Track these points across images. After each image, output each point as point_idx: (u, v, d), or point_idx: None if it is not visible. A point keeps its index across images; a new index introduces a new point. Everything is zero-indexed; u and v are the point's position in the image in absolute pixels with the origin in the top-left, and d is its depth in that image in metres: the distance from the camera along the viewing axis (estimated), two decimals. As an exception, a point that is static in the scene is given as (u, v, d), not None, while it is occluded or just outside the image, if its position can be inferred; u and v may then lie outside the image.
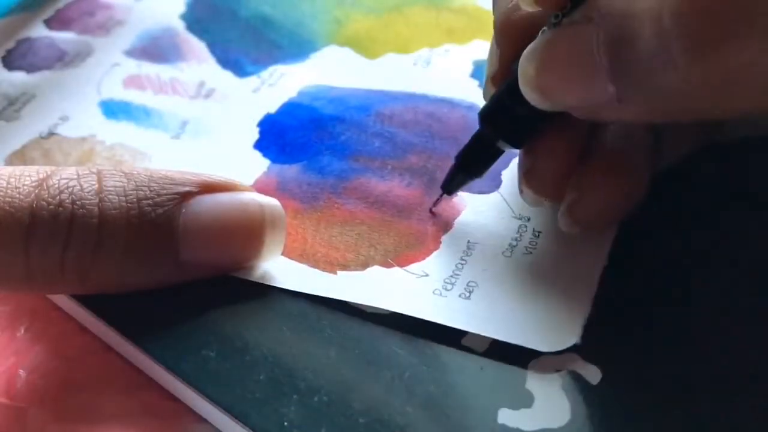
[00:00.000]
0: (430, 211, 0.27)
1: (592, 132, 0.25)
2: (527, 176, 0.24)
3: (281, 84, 0.32)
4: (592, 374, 0.22)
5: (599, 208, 0.24)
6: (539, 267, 0.24)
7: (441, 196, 0.26)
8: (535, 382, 0.22)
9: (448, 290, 0.24)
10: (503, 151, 0.25)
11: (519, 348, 0.22)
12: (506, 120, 0.24)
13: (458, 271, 0.25)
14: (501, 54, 0.25)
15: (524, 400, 0.21)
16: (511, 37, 0.24)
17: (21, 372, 0.24)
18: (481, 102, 0.30)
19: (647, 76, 0.19)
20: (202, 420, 0.23)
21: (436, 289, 0.24)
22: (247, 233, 0.24)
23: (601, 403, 0.21)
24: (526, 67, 0.22)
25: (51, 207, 0.22)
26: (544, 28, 0.21)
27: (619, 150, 0.24)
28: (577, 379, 0.22)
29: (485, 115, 0.25)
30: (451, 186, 0.26)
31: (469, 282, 0.24)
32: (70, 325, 0.25)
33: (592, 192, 0.24)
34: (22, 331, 0.25)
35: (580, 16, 0.20)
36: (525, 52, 0.22)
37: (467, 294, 0.24)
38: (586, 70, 0.20)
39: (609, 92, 0.20)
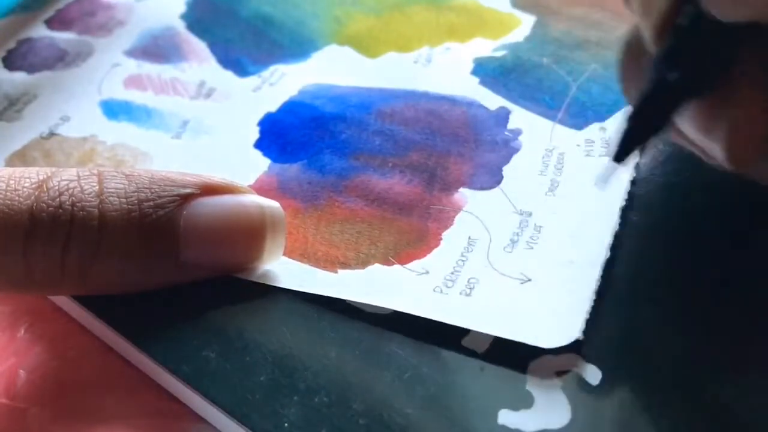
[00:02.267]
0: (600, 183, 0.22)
1: None
2: (734, 135, 0.20)
3: (282, 83, 0.32)
4: (593, 375, 0.22)
5: None
6: (540, 262, 0.24)
7: (614, 168, 0.21)
8: (535, 383, 0.22)
9: (449, 287, 0.24)
10: (684, 100, 0.21)
11: (519, 349, 0.22)
12: (692, 57, 0.20)
13: (459, 268, 0.25)
14: None
15: (525, 401, 0.21)
16: None
17: (21, 372, 0.24)
18: (481, 100, 0.31)
19: None
20: (202, 420, 0.23)
21: (436, 287, 0.24)
22: (248, 236, 0.24)
23: (601, 403, 0.21)
24: None
25: (50, 209, 0.22)
26: None
27: None
28: (578, 379, 0.22)
29: (665, 57, 0.20)
30: (632, 141, 0.21)
31: (470, 279, 0.24)
32: (70, 325, 0.25)
33: None
34: (22, 331, 0.25)
35: None
36: None
37: (468, 291, 0.24)
38: None
39: None
